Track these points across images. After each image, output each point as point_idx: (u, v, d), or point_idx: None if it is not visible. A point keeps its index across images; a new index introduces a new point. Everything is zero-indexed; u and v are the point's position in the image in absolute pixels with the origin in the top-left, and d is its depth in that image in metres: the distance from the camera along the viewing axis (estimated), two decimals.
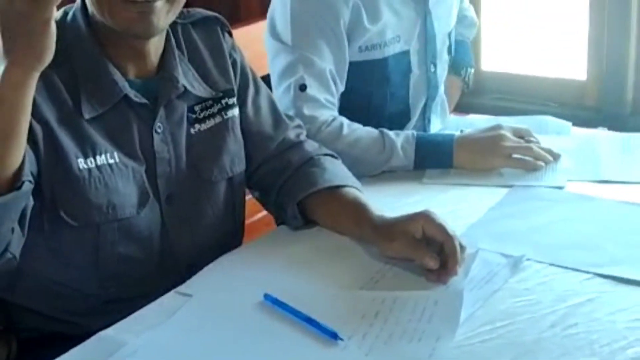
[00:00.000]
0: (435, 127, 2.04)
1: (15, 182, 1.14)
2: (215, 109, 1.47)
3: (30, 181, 1.17)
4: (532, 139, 1.73)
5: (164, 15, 1.32)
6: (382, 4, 1.83)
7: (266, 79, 1.83)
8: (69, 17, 1.36)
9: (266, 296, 1.22)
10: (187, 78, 1.42)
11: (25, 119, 1.11)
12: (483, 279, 1.26)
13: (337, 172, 1.52)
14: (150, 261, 1.39)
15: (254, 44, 1.91)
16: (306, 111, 1.73)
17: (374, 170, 1.71)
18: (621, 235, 1.39)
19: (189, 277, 1.33)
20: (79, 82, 1.32)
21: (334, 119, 1.74)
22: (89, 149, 1.30)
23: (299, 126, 1.61)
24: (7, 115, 1.08)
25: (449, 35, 2.02)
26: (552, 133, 1.87)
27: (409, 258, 1.29)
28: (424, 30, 1.91)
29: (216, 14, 1.53)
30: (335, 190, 1.47)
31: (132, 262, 1.37)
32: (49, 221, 1.29)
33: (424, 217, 1.30)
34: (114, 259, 1.35)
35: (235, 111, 1.50)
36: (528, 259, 1.31)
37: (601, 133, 1.90)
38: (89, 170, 1.30)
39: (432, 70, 1.96)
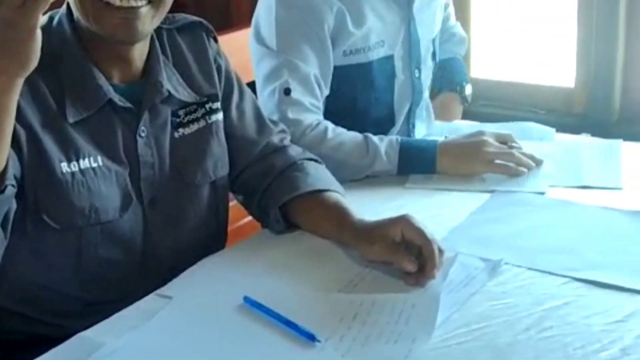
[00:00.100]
0: (420, 132, 2.06)
1: None
2: (199, 114, 1.48)
3: (13, 185, 1.18)
4: (514, 144, 1.74)
5: (148, 21, 1.33)
6: (366, 9, 1.85)
7: (254, 84, 1.85)
8: (55, 22, 1.37)
9: (246, 298, 1.23)
10: (171, 83, 1.43)
11: (9, 124, 1.10)
12: (461, 282, 1.27)
13: (319, 176, 1.53)
14: (132, 264, 1.40)
15: (244, 49, 1.92)
16: (290, 115, 1.74)
17: (357, 174, 1.72)
18: (599, 240, 1.40)
19: (171, 279, 1.33)
20: (64, 86, 1.32)
21: (318, 123, 1.75)
22: (72, 153, 1.31)
23: (282, 131, 1.62)
24: None
25: (433, 41, 2.03)
26: (535, 139, 1.88)
27: (389, 261, 1.30)
28: (408, 35, 1.92)
29: (201, 20, 1.54)
30: (317, 194, 1.48)
31: (115, 264, 1.38)
32: (31, 224, 1.30)
33: (404, 221, 1.31)
34: (96, 262, 1.36)
35: (219, 116, 1.51)
36: (506, 263, 1.32)
37: (584, 139, 1.91)
38: (72, 174, 1.31)
39: (417, 75, 1.97)
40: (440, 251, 1.28)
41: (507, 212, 1.52)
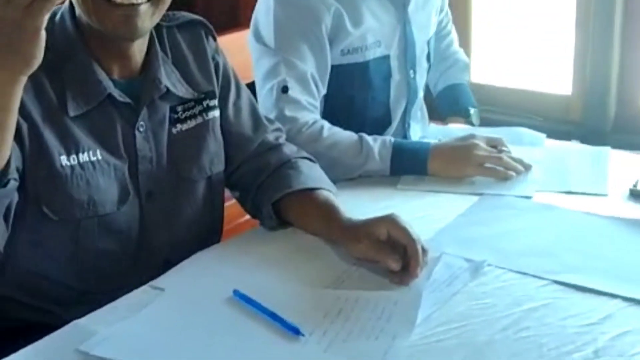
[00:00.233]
0: (415, 132, 2.10)
1: (0, 181, 1.19)
2: (196, 110, 1.51)
3: (15, 179, 1.22)
4: (504, 148, 1.78)
5: (148, 18, 1.36)
6: (364, 9, 1.89)
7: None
8: (57, 17, 1.40)
9: (235, 292, 1.27)
10: (170, 79, 1.46)
11: (13, 119, 1.14)
12: (444, 282, 1.31)
13: (312, 174, 1.56)
14: (128, 256, 1.44)
15: None
16: (287, 112, 1.78)
17: (350, 173, 1.76)
18: (580, 244, 1.43)
19: (166, 272, 1.37)
20: (65, 81, 1.36)
21: (314, 122, 1.79)
22: (72, 146, 1.35)
23: (278, 129, 1.66)
24: None
25: (428, 43, 2.08)
26: (526, 144, 1.91)
27: (374, 259, 1.34)
28: (403, 36, 1.97)
29: (201, 18, 1.58)
30: (308, 192, 1.52)
31: (111, 256, 1.42)
32: (31, 214, 1.33)
33: (389, 220, 1.35)
34: (93, 253, 1.40)
35: (216, 112, 1.54)
36: (489, 264, 1.36)
37: (573, 146, 1.95)
38: (72, 167, 1.34)
39: (412, 75, 2.02)
40: (424, 251, 1.32)
41: (493, 214, 1.56)
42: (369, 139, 1.77)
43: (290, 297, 1.27)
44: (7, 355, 1.15)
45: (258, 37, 1.89)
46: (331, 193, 1.53)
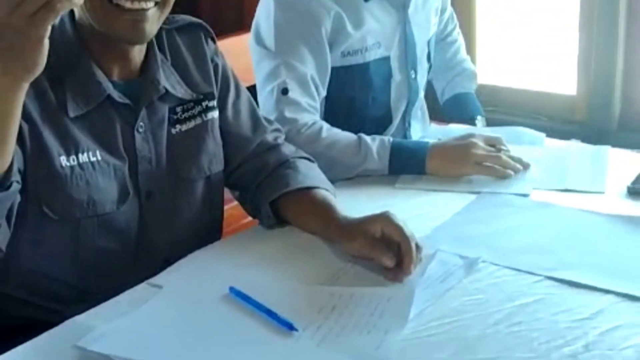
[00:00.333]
0: (416, 131, 2.11)
1: (3, 184, 1.21)
2: (195, 111, 1.53)
3: (17, 181, 1.24)
4: (503, 147, 1.79)
5: (155, 22, 1.38)
6: (364, 11, 1.91)
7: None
8: (57, 20, 1.42)
9: (231, 289, 1.28)
10: (168, 81, 1.48)
11: (14, 125, 1.16)
12: (438, 278, 1.32)
13: (310, 174, 1.58)
14: (128, 255, 1.46)
15: None
16: (287, 114, 1.80)
17: (349, 172, 1.78)
18: (575, 241, 1.44)
19: None
20: (65, 82, 1.37)
21: (314, 123, 1.81)
22: (71, 147, 1.36)
23: (277, 130, 1.68)
24: None
25: (428, 43, 2.09)
26: (526, 143, 1.93)
27: (369, 256, 1.35)
28: (403, 37, 1.99)
29: (200, 21, 1.60)
30: (306, 191, 1.53)
31: (111, 255, 1.44)
32: (32, 214, 1.35)
33: (384, 218, 1.36)
34: (93, 252, 1.42)
35: (215, 113, 1.56)
36: (484, 261, 1.37)
37: (573, 145, 1.96)
38: (71, 167, 1.36)
39: (413, 76, 2.03)
40: (418, 248, 1.33)
41: (490, 212, 1.57)
42: (367, 138, 1.78)
43: (285, 293, 1.29)
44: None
45: (259, 40, 1.91)
46: (329, 192, 1.55)
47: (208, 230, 1.58)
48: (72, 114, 1.37)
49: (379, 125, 1.98)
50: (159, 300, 1.29)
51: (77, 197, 1.37)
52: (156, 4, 1.37)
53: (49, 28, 1.07)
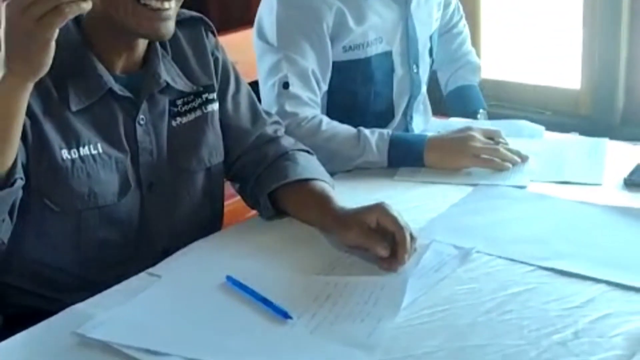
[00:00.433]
0: (418, 125, 2.13)
1: (7, 180, 1.24)
2: (195, 103, 1.55)
3: (21, 178, 1.27)
4: (501, 140, 1.80)
5: (174, 18, 1.42)
6: (366, 7, 1.93)
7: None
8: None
9: (228, 278, 1.31)
10: (169, 74, 1.50)
11: (19, 123, 1.20)
12: (432, 268, 1.34)
13: (308, 166, 1.60)
14: (129, 245, 1.48)
15: None
16: (288, 108, 1.82)
17: (348, 164, 1.79)
18: (569, 231, 1.45)
19: None
20: (67, 77, 1.39)
21: (314, 116, 1.83)
22: (72, 140, 1.39)
23: (276, 122, 1.70)
24: (1, 120, 1.18)
25: (431, 38, 2.10)
26: (525, 136, 1.94)
27: (364, 246, 1.37)
28: (405, 32, 2.00)
29: (200, 15, 1.62)
30: (304, 182, 1.55)
31: (112, 245, 1.46)
32: (35, 207, 1.38)
33: (379, 208, 1.38)
34: (95, 243, 1.44)
35: (215, 106, 1.58)
36: (478, 251, 1.39)
37: (571, 137, 1.97)
38: (72, 160, 1.38)
39: (415, 70, 2.05)
40: (413, 238, 1.35)
41: (486, 204, 1.59)
42: (366, 131, 1.80)
43: (281, 283, 1.31)
44: None
45: (261, 35, 1.93)
46: (327, 184, 1.57)
47: (208, 222, 1.60)
48: (74, 108, 1.39)
49: (381, 120, 2.00)
50: (157, 288, 1.31)
51: (78, 190, 1.39)
52: (176, 1, 1.40)
53: (57, 31, 1.11)
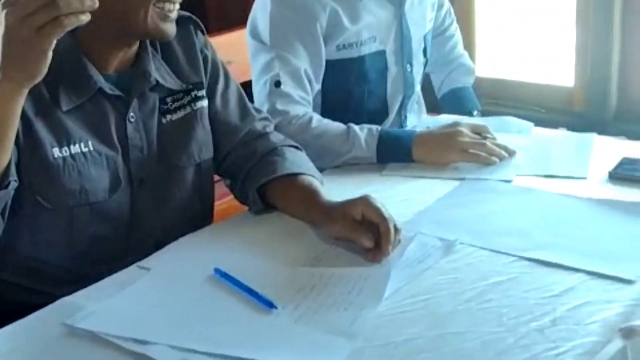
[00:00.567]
0: (412, 123, 2.15)
1: (1, 183, 1.27)
2: (185, 101, 1.58)
3: (15, 180, 1.30)
4: (488, 135, 1.82)
5: None
6: (360, 7, 1.95)
7: None
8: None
9: (216, 270, 1.33)
10: (159, 72, 1.53)
11: (14, 126, 1.24)
12: (416, 259, 1.36)
13: (296, 161, 1.62)
14: (121, 240, 1.51)
15: None
16: (279, 106, 1.84)
17: (337, 160, 1.82)
18: (551, 223, 1.48)
19: None
20: (58, 77, 1.41)
21: (304, 114, 1.85)
22: (63, 138, 1.41)
23: (265, 119, 1.73)
24: None
25: (424, 38, 2.13)
26: (514, 132, 1.96)
27: (349, 238, 1.40)
28: (399, 32, 2.02)
29: (190, 14, 1.64)
30: (292, 177, 1.58)
31: (104, 241, 1.49)
32: (27, 204, 1.40)
33: (363, 201, 1.41)
34: (87, 239, 1.47)
35: (204, 103, 1.61)
36: (462, 243, 1.41)
37: (559, 133, 1.99)
38: (63, 158, 1.41)
39: (409, 70, 2.07)
40: (397, 230, 1.37)
41: (472, 197, 1.61)
42: (356, 128, 1.83)
43: (268, 274, 1.34)
44: None
45: (255, 34, 1.96)
46: (315, 178, 1.59)
47: (198, 217, 1.62)
48: (64, 107, 1.42)
49: (376, 119, 2.02)
50: (146, 281, 1.34)
51: (69, 187, 1.42)
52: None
53: (54, 41, 1.14)
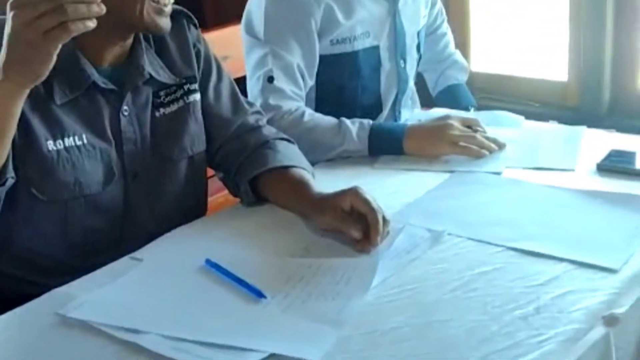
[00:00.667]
0: (405, 119, 2.16)
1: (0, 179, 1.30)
2: (178, 94, 1.60)
3: (12, 177, 1.33)
4: (479, 128, 1.84)
5: None
6: (354, 3, 1.96)
7: None
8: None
9: (207, 261, 1.35)
10: (152, 66, 1.55)
11: (13, 125, 1.26)
12: (404, 249, 1.38)
13: (288, 154, 1.64)
14: (114, 232, 1.53)
15: None
16: (272, 101, 1.86)
17: (329, 153, 1.84)
18: (538, 214, 1.50)
19: None
20: (52, 71, 1.43)
21: (297, 109, 1.87)
22: (58, 132, 1.43)
23: (258, 112, 1.75)
24: None
25: (418, 34, 2.14)
26: (505, 126, 1.97)
27: (338, 229, 1.41)
28: (393, 27, 2.04)
29: (182, 9, 1.66)
30: (284, 170, 1.60)
31: (98, 233, 1.51)
32: (23, 196, 1.43)
33: (353, 192, 1.43)
34: (81, 230, 1.49)
35: (197, 96, 1.63)
36: (449, 234, 1.43)
37: (549, 126, 2.01)
38: (58, 151, 1.43)
39: (402, 65, 2.09)
40: (386, 221, 1.39)
41: (461, 189, 1.63)
42: (347, 122, 1.84)
43: (258, 265, 1.36)
44: None
45: (249, 29, 1.97)
46: (305, 171, 1.61)
47: (192, 209, 1.65)
48: (58, 101, 1.44)
49: (370, 114, 2.03)
50: (137, 271, 1.36)
51: (63, 180, 1.44)
52: None
53: (60, 45, 1.16)
